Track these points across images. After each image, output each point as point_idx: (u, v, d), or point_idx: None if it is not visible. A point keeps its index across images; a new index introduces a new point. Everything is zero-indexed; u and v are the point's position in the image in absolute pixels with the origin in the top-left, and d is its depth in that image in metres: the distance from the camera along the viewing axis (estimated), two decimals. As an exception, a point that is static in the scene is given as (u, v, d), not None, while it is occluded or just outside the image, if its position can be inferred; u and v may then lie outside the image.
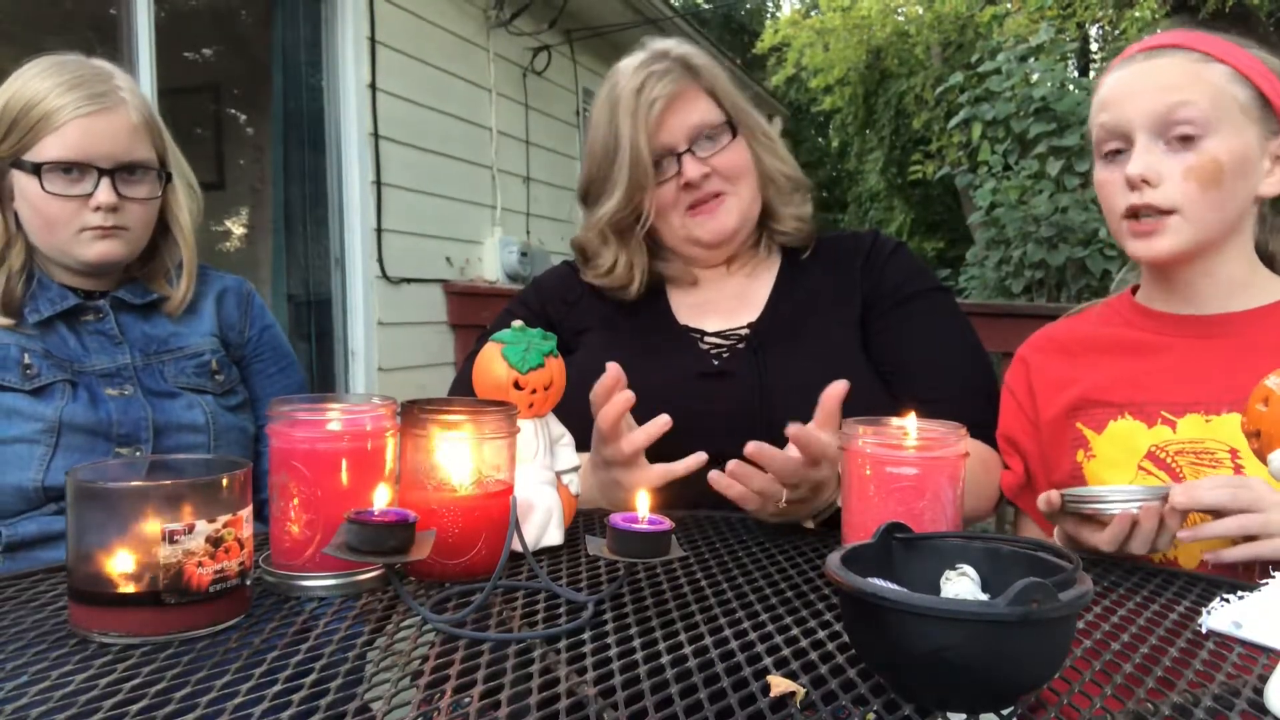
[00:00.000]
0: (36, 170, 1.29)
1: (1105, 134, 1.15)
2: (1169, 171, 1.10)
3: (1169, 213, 1.11)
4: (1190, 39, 1.14)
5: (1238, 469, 1.10)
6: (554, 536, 1.03)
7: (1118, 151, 1.14)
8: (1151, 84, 1.12)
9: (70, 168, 1.29)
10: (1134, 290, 1.28)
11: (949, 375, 1.34)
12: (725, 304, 1.44)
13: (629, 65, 1.39)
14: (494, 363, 1.04)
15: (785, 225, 1.45)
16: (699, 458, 1.11)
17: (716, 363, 1.36)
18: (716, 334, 1.40)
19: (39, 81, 1.30)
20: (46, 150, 1.29)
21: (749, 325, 1.39)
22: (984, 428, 1.29)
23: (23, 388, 1.27)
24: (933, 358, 1.34)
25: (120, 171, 1.32)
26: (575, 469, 1.10)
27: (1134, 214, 1.13)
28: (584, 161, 1.46)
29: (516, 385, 1.03)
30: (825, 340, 1.35)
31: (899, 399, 1.27)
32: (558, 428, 1.10)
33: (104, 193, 1.30)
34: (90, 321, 1.37)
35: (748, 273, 1.47)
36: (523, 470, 1.00)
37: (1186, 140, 1.10)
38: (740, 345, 1.38)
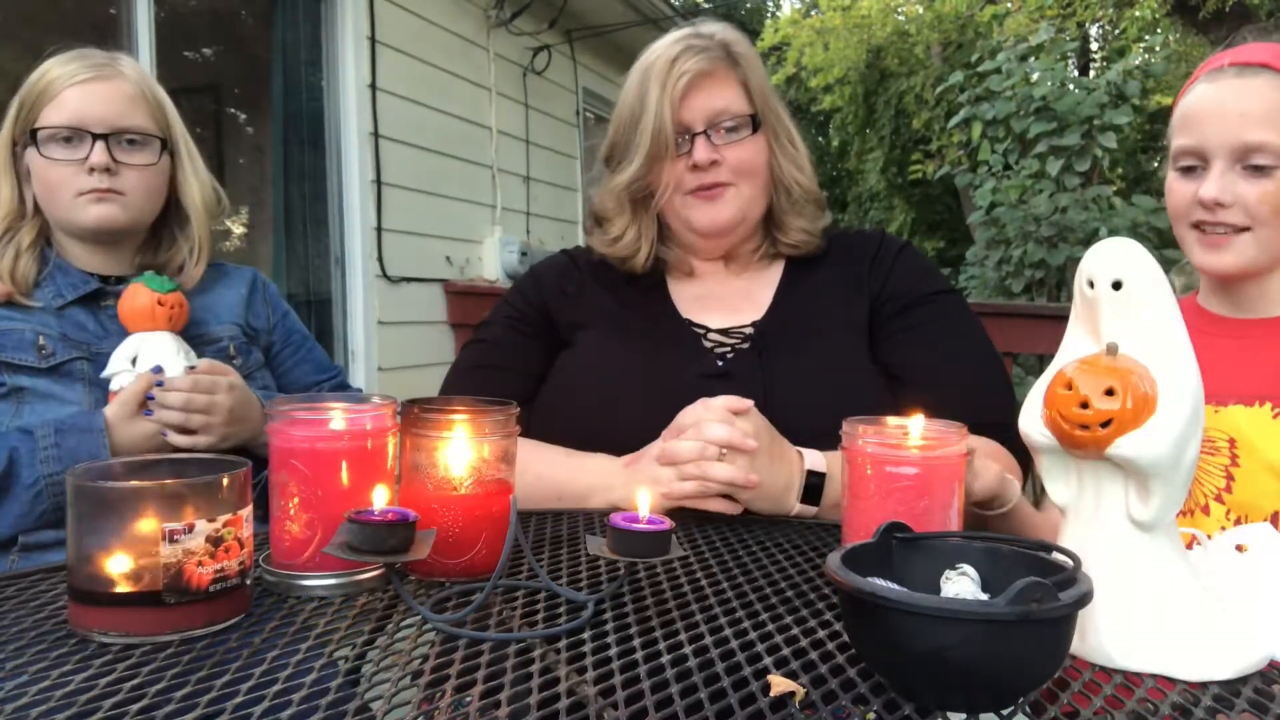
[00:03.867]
0: (37, 138, 1.34)
1: (1182, 151, 1.20)
2: (1242, 195, 1.14)
3: (1242, 229, 1.16)
4: None
5: (1234, 459, 1.13)
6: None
7: (1192, 167, 1.19)
8: (1234, 110, 1.15)
9: (68, 134, 1.34)
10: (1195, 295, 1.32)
11: (962, 382, 1.32)
12: (729, 300, 1.42)
13: (671, 36, 1.39)
14: (139, 292, 1.34)
15: (790, 237, 1.43)
16: (733, 506, 1.16)
17: (720, 364, 1.35)
18: (720, 331, 1.38)
19: (47, 62, 1.37)
20: (46, 119, 1.35)
21: (753, 324, 1.38)
22: (1001, 428, 1.28)
23: (38, 365, 1.30)
24: (944, 364, 1.33)
25: (116, 137, 1.36)
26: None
27: (1200, 226, 1.18)
28: (611, 124, 1.44)
29: (160, 303, 1.33)
30: (830, 343, 1.34)
31: (912, 405, 1.27)
32: (188, 345, 1.39)
33: (97, 154, 1.34)
34: (110, 305, 1.40)
35: (747, 275, 1.45)
36: (167, 359, 1.31)
37: (1261, 169, 1.14)
38: (744, 345, 1.36)
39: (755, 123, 1.37)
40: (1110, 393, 0.71)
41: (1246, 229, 1.15)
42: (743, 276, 1.46)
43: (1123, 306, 0.75)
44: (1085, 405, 0.72)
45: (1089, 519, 0.76)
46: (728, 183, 1.36)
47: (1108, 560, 0.74)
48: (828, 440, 1.18)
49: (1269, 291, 1.21)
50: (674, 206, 1.39)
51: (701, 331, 1.39)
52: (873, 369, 1.33)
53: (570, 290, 1.46)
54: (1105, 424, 0.71)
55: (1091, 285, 0.76)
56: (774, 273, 1.45)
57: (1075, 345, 0.79)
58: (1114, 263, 0.75)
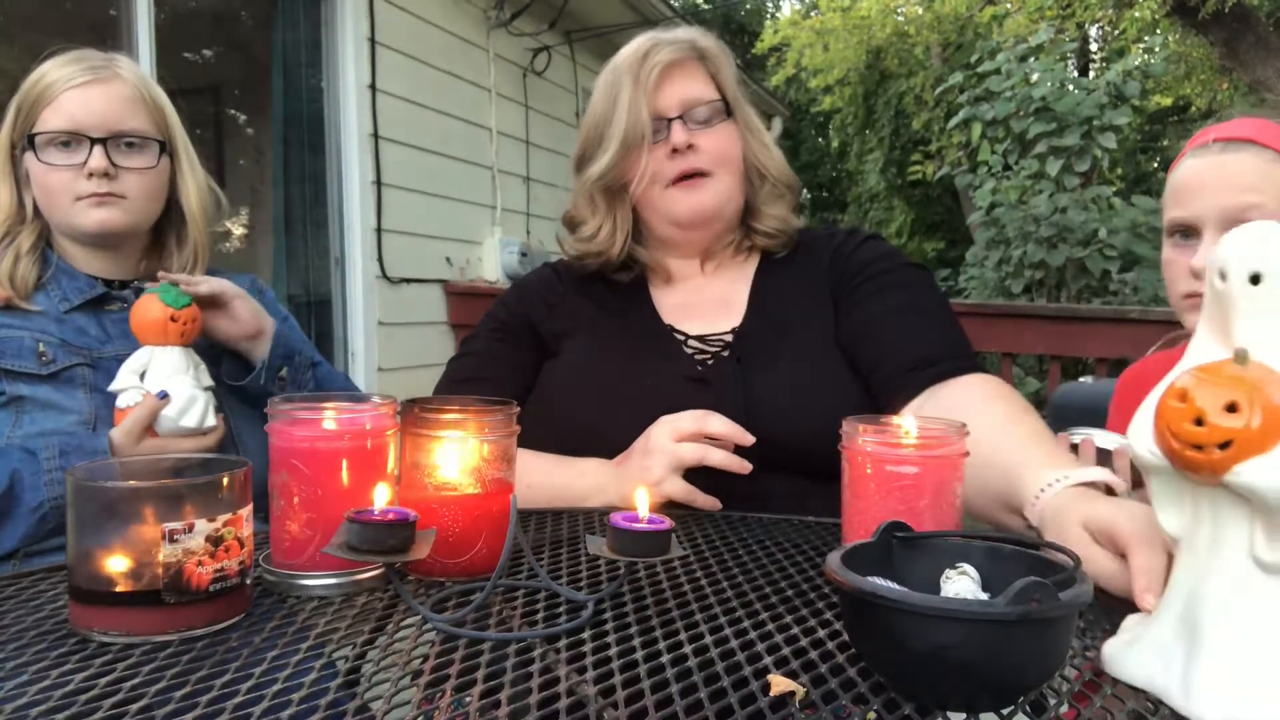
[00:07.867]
0: (35, 143, 1.33)
1: (1175, 224, 1.23)
2: None
3: None
4: (1266, 134, 1.19)
5: None
6: (193, 418, 1.28)
7: (1185, 235, 1.22)
8: (1223, 181, 1.18)
9: (65, 138, 1.33)
10: None
11: (927, 326, 1.31)
12: (708, 307, 1.41)
13: (636, 40, 1.40)
14: (152, 305, 1.29)
15: (766, 225, 1.43)
16: (715, 502, 1.20)
17: (700, 368, 1.34)
18: (698, 338, 1.38)
19: (44, 64, 1.36)
20: (44, 123, 1.34)
21: (731, 331, 1.37)
22: (974, 366, 1.26)
23: (38, 372, 1.30)
24: (906, 313, 1.31)
25: (114, 140, 1.35)
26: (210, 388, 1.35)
27: (1193, 297, 1.20)
28: (580, 131, 1.44)
29: (172, 319, 1.29)
30: (807, 344, 1.33)
31: (877, 358, 1.27)
32: (198, 358, 1.36)
33: (96, 159, 1.33)
34: (115, 311, 1.40)
35: (723, 275, 1.45)
36: (176, 378, 1.29)
37: None
38: (724, 353, 1.36)
39: (728, 109, 1.38)
40: (1233, 408, 0.58)
41: None
42: (719, 277, 1.45)
43: (1260, 306, 0.61)
44: (1200, 421, 0.59)
45: (1204, 553, 0.64)
46: (708, 171, 1.37)
47: (1224, 603, 0.63)
48: (809, 446, 1.20)
49: None
50: (652, 200, 1.38)
51: (682, 338, 1.39)
52: (849, 367, 1.31)
53: (553, 301, 1.46)
54: (1224, 445, 0.59)
55: (1224, 278, 0.63)
56: (748, 270, 1.45)
57: (1202, 349, 0.66)
58: (1253, 252, 0.61)
